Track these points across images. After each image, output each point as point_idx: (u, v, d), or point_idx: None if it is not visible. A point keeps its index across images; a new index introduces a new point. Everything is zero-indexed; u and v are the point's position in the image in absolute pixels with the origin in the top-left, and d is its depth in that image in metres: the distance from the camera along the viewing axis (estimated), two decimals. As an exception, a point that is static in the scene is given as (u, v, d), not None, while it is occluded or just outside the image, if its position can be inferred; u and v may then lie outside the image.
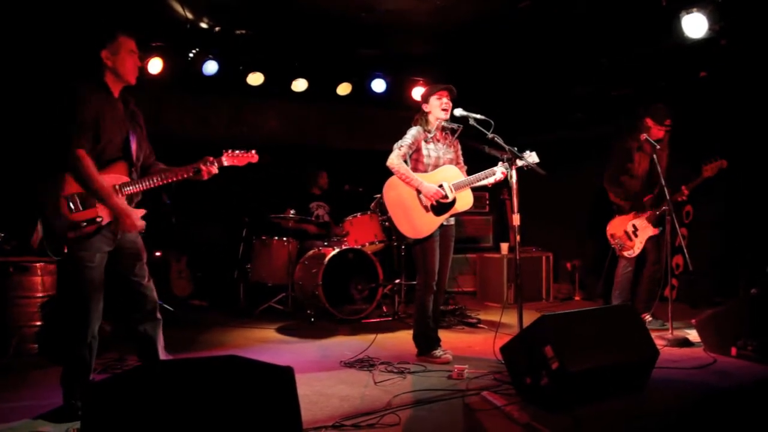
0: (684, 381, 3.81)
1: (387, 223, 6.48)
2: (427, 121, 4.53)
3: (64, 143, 3.10)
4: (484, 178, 4.49)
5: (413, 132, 4.48)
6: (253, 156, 3.67)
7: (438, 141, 4.58)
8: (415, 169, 4.46)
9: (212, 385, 2.16)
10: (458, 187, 4.44)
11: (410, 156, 4.49)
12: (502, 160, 4.34)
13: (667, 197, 4.97)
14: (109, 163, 3.24)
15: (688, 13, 5.20)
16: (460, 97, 4.54)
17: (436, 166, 4.51)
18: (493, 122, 4.23)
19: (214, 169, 3.50)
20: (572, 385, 3.15)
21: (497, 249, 7.78)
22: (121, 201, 3.19)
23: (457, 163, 4.63)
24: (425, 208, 4.39)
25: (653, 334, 3.72)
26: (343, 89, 7.65)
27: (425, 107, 4.55)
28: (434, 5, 5.57)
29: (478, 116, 4.31)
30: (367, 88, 7.64)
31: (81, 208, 3.13)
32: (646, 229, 5.49)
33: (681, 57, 5.99)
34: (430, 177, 4.44)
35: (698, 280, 6.52)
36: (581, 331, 3.34)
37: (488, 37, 6.38)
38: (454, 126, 4.60)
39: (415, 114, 4.63)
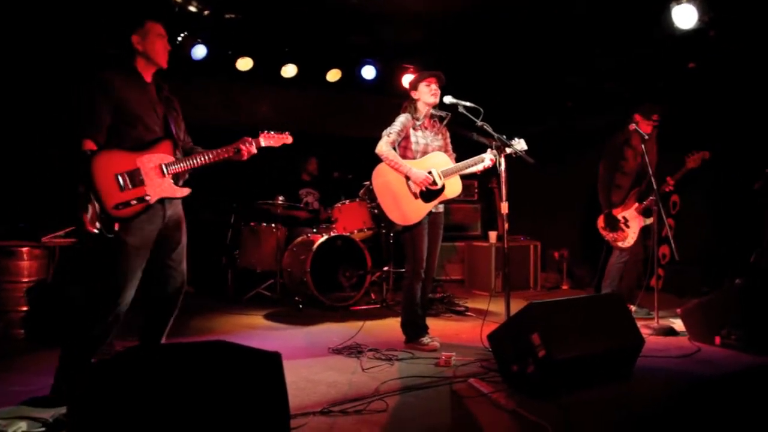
0: (669, 369, 3.85)
1: (376, 211, 6.48)
2: (415, 108, 4.53)
3: (75, 132, 3.20)
4: (472, 165, 4.49)
5: (402, 119, 4.47)
6: (287, 137, 3.76)
7: (426, 128, 4.57)
8: (403, 157, 4.45)
9: (199, 370, 2.15)
10: (447, 174, 4.44)
11: (399, 143, 4.48)
12: (491, 147, 4.34)
13: (655, 188, 5.01)
14: (154, 143, 3.29)
15: (678, 4, 5.22)
16: (450, 84, 4.52)
17: (424, 153, 4.50)
18: (482, 110, 4.22)
19: (254, 149, 3.58)
20: (558, 372, 3.17)
21: (485, 237, 7.81)
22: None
23: (446, 151, 4.62)
24: (414, 194, 4.38)
25: (639, 323, 3.74)
26: (333, 75, 7.62)
27: (414, 94, 4.53)
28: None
29: (468, 104, 4.30)
30: (357, 74, 7.59)
31: (130, 186, 3.16)
32: (636, 219, 5.54)
33: (671, 48, 6.00)
34: (418, 164, 4.43)
35: (685, 270, 6.58)
36: (568, 319, 3.35)
37: (479, 25, 6.36)
38: (443, 114, 4.59)
39: (405, 101, 4.61)
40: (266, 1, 5.89)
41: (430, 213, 4.46)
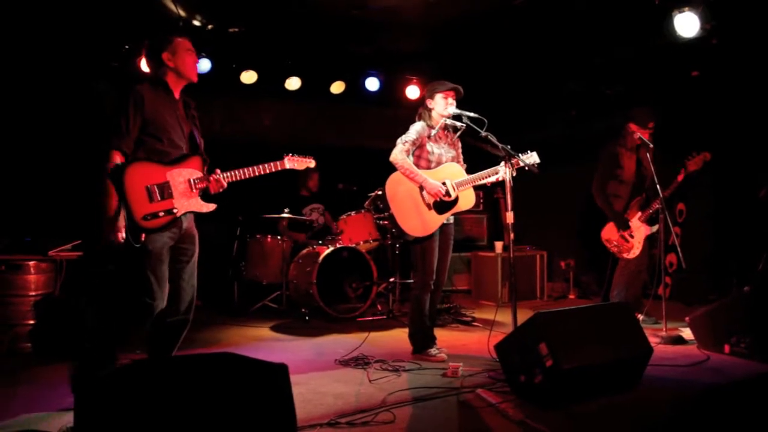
0: (678, 378, 3.83)
1: (384, 222, 6.48)
2: (430, 117, 4.49)
3: (105, 142, 3.27)
4: (486, 177, 4.45)
5: (417, 128, 4.43)
6: (311, 161, 3.92)
7: (440, 139, 4.54)
8: (417, 166, 4.40)
9: (206, 382, 2.15)
10: (460, 185, 4.41)
11: (413, 152, 4.45)
12: (505, 160, 4.29)
13: (660, 195, 4.99)
14: (184, 158, 3.40)
15: (680, 12, 5.23)
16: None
17: (438, 164, 4.45)
18: (486, 120, 4.22)
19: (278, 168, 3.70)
20: (566, 382, 3.15)
21: (491, 247, 7.79)
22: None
23: (458, 162, 4.60)
24: (428, 205, 4.35)
25: (647, 332, 3.72)
26: (337, 87, 7.65)
27: (429, 102, 4.49)
28: (427, 1, 5.56)
29: (472, 114, 4.29)
30: (360, 86, 7.62)
31: (159, 198, 3.25)
32: (640, 229, 5.50)
33: (673, 56, 6.01)
34: (432, 174, 4.38)
35: (692, 278, 6.54)
36: (575, 328, 3.34)
37: (482, 35, 6.38)
38: (457, 125, 4.54)
39: (409, 112, 4.60)
40: (270, 15, 5.93)
41: (442, 224, 4.44)
